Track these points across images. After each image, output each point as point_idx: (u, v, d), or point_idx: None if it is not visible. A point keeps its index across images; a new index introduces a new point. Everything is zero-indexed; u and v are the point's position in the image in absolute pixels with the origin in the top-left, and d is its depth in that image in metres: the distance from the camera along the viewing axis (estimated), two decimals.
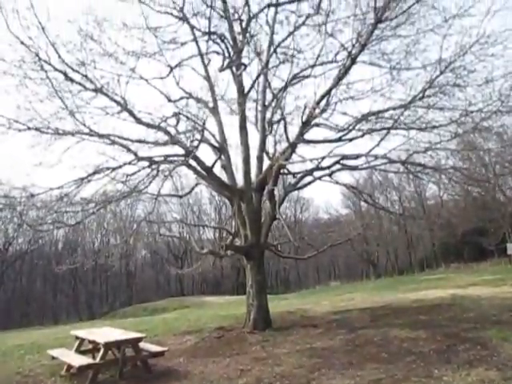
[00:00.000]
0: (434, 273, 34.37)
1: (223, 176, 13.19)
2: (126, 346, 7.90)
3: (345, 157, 12.15)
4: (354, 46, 11.39)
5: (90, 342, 8.76)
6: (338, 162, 12.39)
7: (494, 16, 9.23)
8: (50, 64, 9.99)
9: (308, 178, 13.37)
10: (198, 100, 12.77)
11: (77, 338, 8.83)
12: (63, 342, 11.80)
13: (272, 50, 12.58)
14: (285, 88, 12.31)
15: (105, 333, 8.85)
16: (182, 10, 12.57)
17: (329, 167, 12.54)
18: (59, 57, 10.06)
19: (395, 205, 46.40)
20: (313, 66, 12.31)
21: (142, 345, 8.32)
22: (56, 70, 10.16)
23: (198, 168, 12.26)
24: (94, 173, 10.89)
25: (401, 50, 11.45)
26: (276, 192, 12.66)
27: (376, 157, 11.31)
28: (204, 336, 11.50)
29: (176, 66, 12.69)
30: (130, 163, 11.31)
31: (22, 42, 9.49)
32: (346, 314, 13.63)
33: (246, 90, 12.85)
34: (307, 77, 12.62)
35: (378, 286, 26.18)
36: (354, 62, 11.37)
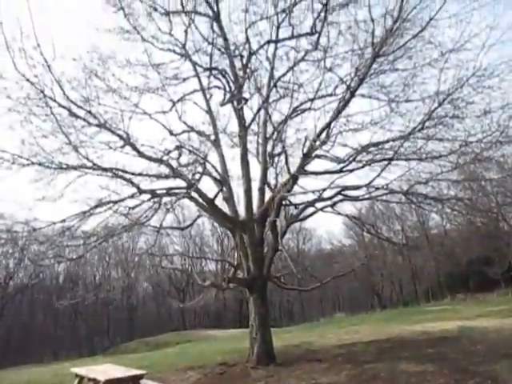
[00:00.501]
0: (440, 304, 33.81)
1: (225, 208, 13.22)
2: (127, 383, 7.73)
3: (346, 188, 12.18)
4: (352, 79, 11.63)
5: (90, 379, 8.57)
6: (339, 193, 12.41)
7: (489, 50, 9.44)
8: (54, 100, 10.19)
9: (310, 209, 13.35)
10: (200, 133, 12.96)
11: (76, 375, 8.66)
12: (62, 379, 11.57)
13: (272, 84, 12.84)
14: (285, 121, 12.49)
15: (105, 370, 8.68)
16: (184, 47, 12.95)
17: (330, 198, 12.55)
18: (64, 93, 10.28)
19: (398, 234, 46.09)
20: (312, 100, 12.54)
21: (143, 382, 8.15)
22: (60, 106, 10.36)
23: (200, 200, 12.31)
24: (97, 206, 10.96)
25: (399, 82, 11.71)
26: (278, 223, 12.62)
27: (376, 188, 11.34)
28: (206, 372, 11.25)
29: (178, 100, 12.96)
30: (132, 196, 11.38)
31: (28, 80, 9.71)
32: (351, 347, 13.35)
33: (247, 123, 13.06)
34: (307, 109, 12.85)
35: (383, 318, 25.71)
36: (352, 95, 11.57)
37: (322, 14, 11.98)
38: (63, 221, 10.62)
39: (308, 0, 12.30)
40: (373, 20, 10.82)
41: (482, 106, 10.01)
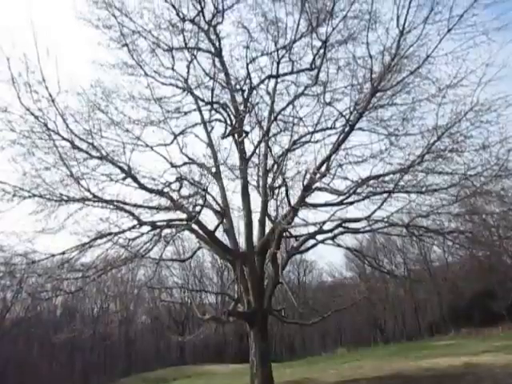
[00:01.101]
0: (444, 338, 33.10)
1: (225, 239, 13.17)
2: None
3: (346, 220, 12.16)
4: (351, 113, 11.80)
5: None
6: (340, 225, 12.38)
7: (486, 86, 9.62)
8: (57, 133, 10.33)
9: (311, 241, 13.30)
10: (201, 166, 13.04)
11: None
12: None
13: (272, 118, 13.01)
14: (285, 154, 12.60)
15: None
16: (186, 81, 13.22)
17: (331, 230, 12.51)
18: (67, 126, 10.42)
19: (400, 267, 45.58)
20: (312, 133, 12.69)
21: None
22: (63, 138, 10.48)
23: (201, 232, 12.28)
24: (96, 238, 10.93)
25: (398, 116, 11.90)
26: (279, 255, 12.54)
27: (376, 220, 11.32)
28: None
29: (180, 133, 13.13)
30: (132, 228, 11.36)
31: (32, 114, 9.87)
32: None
33: (248, 155, 13.15)
34: (307, 142, 12.97)
35: (386, 353, 25.13)
36: (352, 128, 11.71)
37: (321, 51, 12.30)
38: (63, 253, 10.57)
39: (307, 37, 12.67)
40: (371, 56, 11.10)
41: (481, 140, 10.13)
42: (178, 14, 13.03)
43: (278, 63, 13.28)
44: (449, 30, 10.40)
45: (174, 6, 12.95)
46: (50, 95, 9.96)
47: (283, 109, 13.10)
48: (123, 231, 11.11)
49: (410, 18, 10.72)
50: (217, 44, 13.39)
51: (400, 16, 10.72)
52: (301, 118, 13.02)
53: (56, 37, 9.84)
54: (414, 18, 10.72)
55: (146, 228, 11.53)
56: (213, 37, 13.35)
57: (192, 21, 13.11)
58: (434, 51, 10.64)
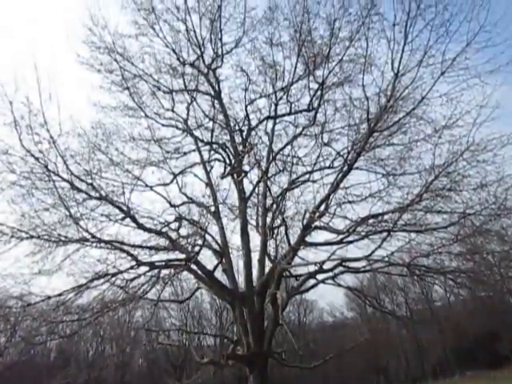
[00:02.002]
0: (449, 382, 32.15)
1: (224, 280, 13.00)
2: None
3: (346, 259, 12.07)
4: (349, 153, 11.95)
5: None
6: (340, 265, 12.28)
7: (480, 126, 9.83)
8: (57, 175, 10.37)
9: (311, 281, 13.14)
10: (200, 205, 13.05)
11: None
12: None
13: (271, 158, 13.14)
14: (284, 194, 12.65)
15: None
16: (186, 122, 13.45)
17: (331, 269, 12.39)
18: (67, 168, 10.49)
19: (402, 307, 44.85)
20: (311, 172, 12.80)
21: None
22: (63, 179, 10.52)
23: (199, 272, 12.13)
24: (93, 279, 10.77)
25: (395, 156, 12.03)
26: (278, 295, 12.34)
27: (376, 260, 11.24)
28: None
29: (179, 173, 13.23)
30: (131, 268, 11.23)
31: (33, 155, 9.96)
32: None
33: (247, 195, 13.20)
34: (306, 181, 13.06)
35: None
36: (350, 168, 11.82)
37: (319, 93, 12.61)
38: (59, 295, 10.38)
39: (305, 80, 13.02)
40: (367, 98, 11.36)
41: (478, 180, 10.22)
42: (178, 59, 13.43)
43: (276, 105, 13.56)
44: (442, 73, 10.72)
45: (174, 51, 13.37)
46: (52, 137, 10.09)
47: (281, 149, 13.27)
48: (121, 272, 10.96)
49: (404, 61, 11.05)
50: (216, 87, 13.71)
51: (394, 60, 11.05)
52: (299, 158, 13.17)
53: (58, 80, 10.06)
54: (408, 61, 11.06)
55: (144, 269, 11.41)
56: (212, 80, 13.68)
57: (192, 65, 13.48)
58: (429, 93, 10.93)
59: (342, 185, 12.19)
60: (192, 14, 13.00)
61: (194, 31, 13.14)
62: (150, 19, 13.03)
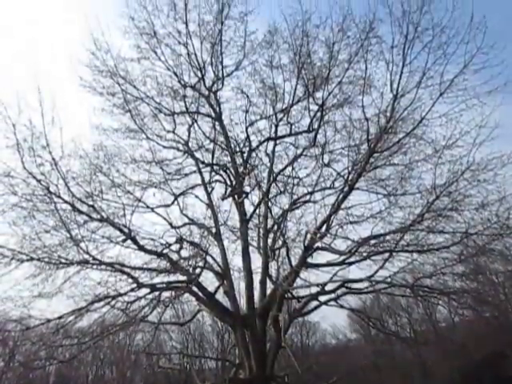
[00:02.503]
0: None
1: (226, 302, 12.87)
2: None
3: (348, 280, 11.99)
4: (350, 173, 11.98)
5: None
6: (342, 286, 12.18)
7: (480, 146, 9.89)
8: (59, 196, 10.40)
9: (313, 303, 13.02)
10: (201, 227, 13.01)
11: None
12: None
13: (272, 179, 13.16)
14: (285, 215, 12.63)
15: None
16: (187, 144, 13.52)
17: (334, 291, 12.29)
18: (68, 189, 10.52)
19: (405, 328, 44.21)
20: (311, 193, 12.81)
21: None
22: (65, 201, 10.54)
23: (200, 294, 12.02)
24: (94, 302, 10.67)
25: (396, 176, 12.05)
26: (281, 318, 12.21)
27: (378, 281, 11.16)
28: None
29: (180, 194, 13.22)
30: (131, 291, 11.14)
31: (35, 178, 10.00)
32: None
33: (248, 216, 13.16)
34: (307, 202, 13.05)
35: None
36: (351, 189, 11.82)
37: (318, 114, 12.73)
38: (59, 318, 10.28)
39: (304, 101, 13.15)
40: (367, 119, 11.47)
41: (480, 199, 10.23)
42: (179, 81, 13.60)
43: (277, 126, 13.65)
44: (441, 94, 10.85)
45: (175, 74, 13.54)
46: (53, 159, 10.16)
47: (282, 170, 13.31)
48: (121, 294, 10.87)
49: (403, 82, 11.22)
50: (217, 109, 13.84)
51: (393, 81, 11.21)
52: (300, 179, 13.20)
53: (61, 103, 10.20)
54: (407, 82, 11.22)
55: (144, 291, 11.32)
56: (213, 102, 13.82)
57: (193, 87, 13.64)
58: (428, 114, 11.05)
59: (343, 205, 12.18)
60: (193, 38, 13.24)
61: (195, 55, 13.35)
62: (151, 43, 13.26)
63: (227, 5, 12.97)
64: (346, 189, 12.00)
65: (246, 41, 13.35)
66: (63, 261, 10.35)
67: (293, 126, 13.63)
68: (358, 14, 11.83)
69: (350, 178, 11.97)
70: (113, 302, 10.79)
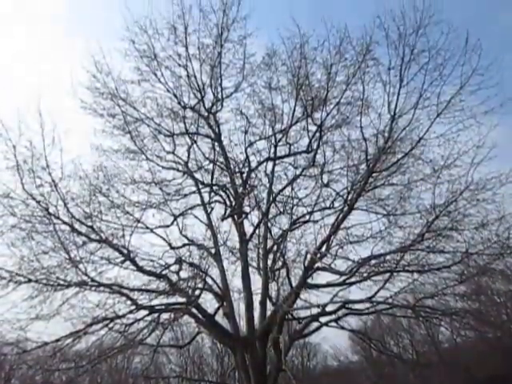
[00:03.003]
0: None
1: (225, 323, 12.73)
2: None
3: (349, 301, 11.91)
4: (349, 193, 12.01)
5: None
6: (343, 307, 12.09)
7: (478, 166, 9.96)
8: (58, 218, 10.39)
9: (314, 324, 12.90)
10: (201, 247, 12.95)
11: None
12: None
13: (271, 199, 13.15)
14: (285, 235, 12.61)
15: None
16: (186, 165, 13.57)
17: (334, 312, 12.20)
18: (68, 210, 10.52)
19: (408, 349, 43.55)
20: (311, 213, 12.81)
21: None
22: (64, 222, 10.53)
23: (200, 316, 11.90)
24: (92, 324, 10.56)
25: (395, 196, 12.09)
26: (281, 340, 12.08)
27: (379, 302, 11.07)
28: None
29: (179, 215, 13.19)
30: (130, 313, 11.04)
31: (34, 199, 10.01)
32: None
33: (247, 236, 13.11)
34: (306, 222, 13.04)
35: None
36: (351, 209, 11.83)
37: (317, 134, 12.82)
38: (56, 341, 10.15)
39: (303, 122, 13.25)
40: (365, 139, 11.57)
41: (479, 219, 10.25)
42: (179, 103, 13.71)
43: (276, 146, 13.71)
44: (438, 115, 10.97)
45: (175, 95, 13.67)
46: (53, 180, 10.20)
47: (282, 190, 13.33)
48: (120, 316, 10.76)
49: (400, 103, 11.34)
50: (216, 129, 13.93)
51: (391, 102, 11.33)
52: (299, 199, 13.22)
53: (61, 124, 10.30)
54: (405, 103, 11.35)
55: (143, 313, 11.21)
56: (212, 123, 13.92)
57: (193, 108, 13.75)
58: (426, 134, 11.16)
59: (342, 225, 12.18)
60: (193, 61, 13.39)
61: (195, 77, 13.49)
62: (152, 66, 13.41)
63: (226, 29, 13.16)
64: (345, 209, 12.00)
65: (245, 63, 13.52)
66: (61, 282, 10.27)
67: (292, 147, 13.71)
68: (355, 37, 11.99)
69: (349, 197, 11.99)
70: (111, 325, 10.70)
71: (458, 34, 10.67)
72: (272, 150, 13.72)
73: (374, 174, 11.77)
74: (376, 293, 11.77)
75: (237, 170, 13.82)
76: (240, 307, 13.52)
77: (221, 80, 13.58)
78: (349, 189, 12.21)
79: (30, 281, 9.96)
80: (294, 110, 13.14)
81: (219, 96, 13.77)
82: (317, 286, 12.56)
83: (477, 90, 10.68)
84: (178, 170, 13.72)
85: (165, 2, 12.97)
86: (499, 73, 10.38)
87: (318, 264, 12.17)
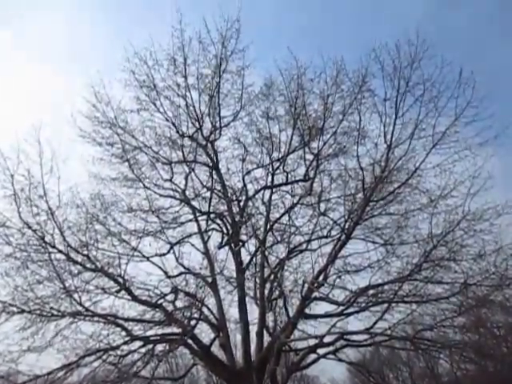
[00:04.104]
0: None
1: (221, 355, 12.49)
2: None
3: (347, 333, 11.74)
4: (346, 222, 12.01)
5: None
6: (341, 338, 11.89)
7: (475, 196, 10.01)
8: (54, 246, 10.32)
9: (312, 356, 12.66)
10: (197, 276, 12.81)
11: None
12: None
13: (268, 227, 13.10)
14: (282, 263, 12.52)
15: None
16: (183, 193, 13.57)
17: (332, 343, 12.00)
18: (64, 239, 10.45)
19: (407, 382, 42.59)
20: (308, 241, 12.75)
21: None
22: (59, 251, 10.44)
23: (195, 347, 11.67)
24: (85, 356, 10.35)
25: (392, 225, 12.09)
26: (278, 372, 11.83)
27: (376, 333, 10.93)
28: None
29: (176, 243, 13.09)
30: (124, 344, 10.84)
31: (30, 227, 9.96)
32: None
33: (244, 264, 12.99)
34: (304, 251, 12.96)
35: None
36: (348, 237, 11.80)
37: (314, 163, 12.90)
38: (48, 374, 9.89)
39: (300, 151, 13.35)
40: (362, 169, 11.66)
41: (477, 249, 10.24)
42: (177, 131, 13.81)
43: (273, 175, 13.77)
44: (434, 145, 11.12)
45: (174, 124, 13.78)
46: (50, 209, 10.18)
47: (279, 218, 13.30)
48: (114, 348, 10.56)
49: (396, 134, 11.52)
50: (214, 158, 13.98)
51: (387, 132, 11.50)
52: (297, 227, 13.18)
53: (59, 153, 10.37)
54: (400, 134, 11.53)
55: (137, 344, 11.00)
56: (210, 151, 13.99)
57: (191, 137, 13.85)
58: (422, 164, 11.33)
59: (340, 254, 12.13)
60: (192, 91, 13.56)
61: (194, 106, 13.64)
62: (151, 95, 13.56)
63: (225, 60, 13.38)
64: (342, 237, 11.98)
65: (243, 93, 13.70)
66: (55, 313, 10.13)
67: (289, 175, 13.74)
68: (351, 69, 12.27)
69: (346, 226, 11.99)
70: (104, 356, 10.52)
71: (451, 67, 10.95)
72: (269, 178, 13.77)
73: (370, 203, 11.81)
74: (374, 324, 11.62)
75: (234, 198, 13.82)
76: (236, 338, 13.32)
77: (219, 109, 13.72)
78: (346, 217, 12.23)
79: (23, 311, 9.81)
80: (292, 139, 13.28)
81: (217, 125, 13.89)
82: (314, 317, 12.40)
83: (471, 122, 10.89)
84: (175, 198, 13.70)
85: (165, 35, 13.15)
86: (493, 105, 10.59)
87: (316, 294, 12.05)
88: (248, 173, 13.96)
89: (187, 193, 13.76)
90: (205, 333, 12.48)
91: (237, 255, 13.01)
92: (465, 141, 10.91)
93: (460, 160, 10.82)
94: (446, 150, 11.15)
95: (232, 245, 13.23)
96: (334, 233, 12.44)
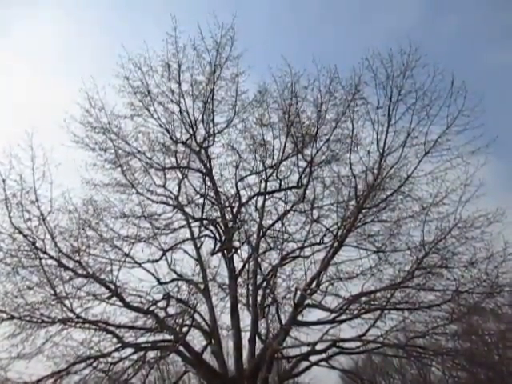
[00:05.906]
0: None
1: (213, 362, 12.41)
2: None
3: (339, 340, 11.71)
4: (339, 229, 12.04)
5: None
6: (333, 345, 11.86)
7: (466, 203, 10.10)
8: (45, 252, 10.24)
9: (304, 363, 12.59)
10: (190, 282, 12.76)
11: None
12: None
13: (261, 234, 13.10)
14: (275, 270, 12.51)
15: None
16: (176, 199, 13.56)
17: (325, 350, 11.95)
18: (55, 245, 10.38)
19: None
20: (301, 248, 12.75)
21: None
22: (50, 257, 10.37)
23: (187, 354, 11.59)
24: (75, 363, 10.26)
25: (385, 232, 12.14)
26: (270, 379, 11.76)
27: (369, 341, 10.92)
28: None
29: (168, 249, 13.05)
30: (115, 351, 10.75)
31: (21, 233, 9.88)
32: None
33: (237, 271, 12.97)
34: (296, 257, 12.96)
35: None
36: (340, 245, 11.83)
37: (307, 170, 12.97)
38: (38, 381, 9.77)
39: (293, 158, 13.41)
40: (354, 176, 11.75)
41: (468, 257, 10.31)
42: (171, 137, 13.84)
43: (266, 181, 13.79)
44: (426, 153, 11.22)
45: (167, 130, 13.81)
46: (42, 214, 10.12)
47: (272, 225, 13.31)
48: (105, 355, 10.47)
49: (388, 141, 11.62)
50: (207, 164, 13.99)
51: (379, 140, 11.60)
52: (290, 234, 13.19)
53: (52, 158, 10.31)
54: (393, 141, 11.63)
55: (129, 351, 10.92)
56: (204, 158, 13.99)
57: (184, 143, 13.87)
58: (414, 172, 11.41)
59: (332, 261, 12.13)
60: (186, 97, 13.61)
61: (187, 112, 13.68)
62: (145, 101, 13.59)
63: (219, 67, 13.45)
64: (335, 244, 12.00)
65: (237, 100, 13.78)
66: (45, 319, 10.04)
67: (282, 182, 13.77)
68: (344, 77, 12.37)
69: (339, 233, 12.02)
70: (95, 363, 10.42)
71: (443, 76, 11.07)
72: (262, 184, 13.78)
73: (363, 211, 11.86)
74: (367, 331, 11.60)
75: (227, 204, 13.81)
76: (229, 345, 13.24)
77: (213, 116, 13.77)
78: (339, 224, 12.26)
79: (12, 318, 9.71)
80: (285, 146, 13.34)
81: (211, 131, 13.93)
82: (307, 324, 12.36)
83: (463, 131, 11.02)
84: (168, 204, 13.68)
85: (159, 41, 13.21)
86: (484, 114, 10.72)
87: (308, 301, 12.03)
88: (241, 179, 13.97)
89: (180, 199, 13.76)
90: (197, 340, 12.42)
91: (229, 262, 12.99)
92: (456, 149, 11.04)
93: (452, 168, 10.94)
94: (437, 157, 11.28)
95: (225, 251, 13.22)
96: (326, 240, 12.49)
